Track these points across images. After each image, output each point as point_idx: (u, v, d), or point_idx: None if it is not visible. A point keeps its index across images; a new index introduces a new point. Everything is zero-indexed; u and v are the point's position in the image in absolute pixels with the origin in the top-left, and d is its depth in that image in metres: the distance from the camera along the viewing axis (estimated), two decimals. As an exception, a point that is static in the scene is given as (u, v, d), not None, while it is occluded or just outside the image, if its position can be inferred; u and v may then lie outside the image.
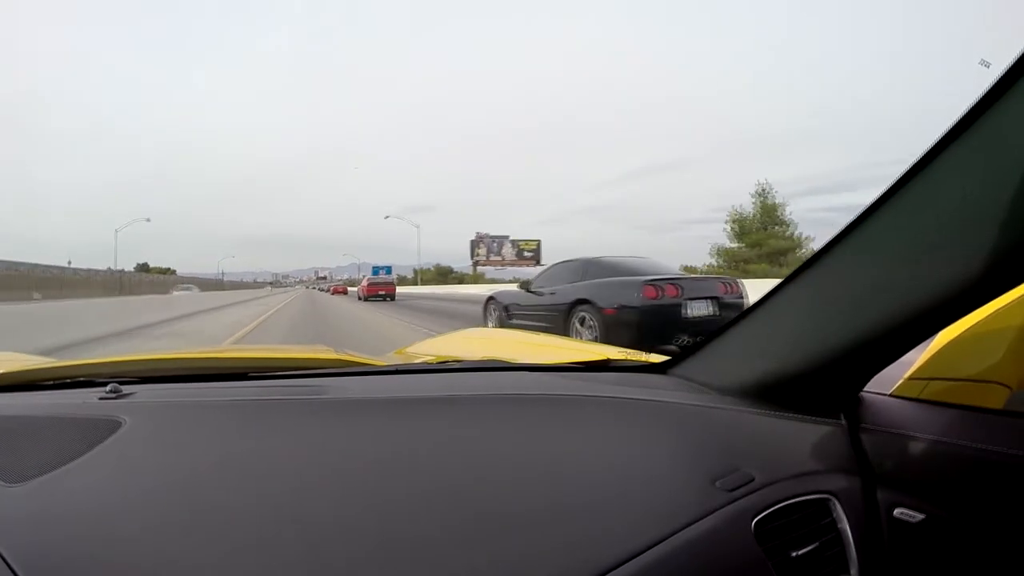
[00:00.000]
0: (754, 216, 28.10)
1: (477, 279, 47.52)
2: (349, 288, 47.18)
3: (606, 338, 4.53)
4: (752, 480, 0.52)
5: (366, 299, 21.08)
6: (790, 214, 27.60)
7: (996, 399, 0.57)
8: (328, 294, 37.25)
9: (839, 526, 0.53)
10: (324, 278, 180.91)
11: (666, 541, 0.45)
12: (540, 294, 5.81)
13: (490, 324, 6.71)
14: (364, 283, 23.42)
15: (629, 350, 0.92)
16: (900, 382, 0.62)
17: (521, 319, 6.07)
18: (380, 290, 21.71)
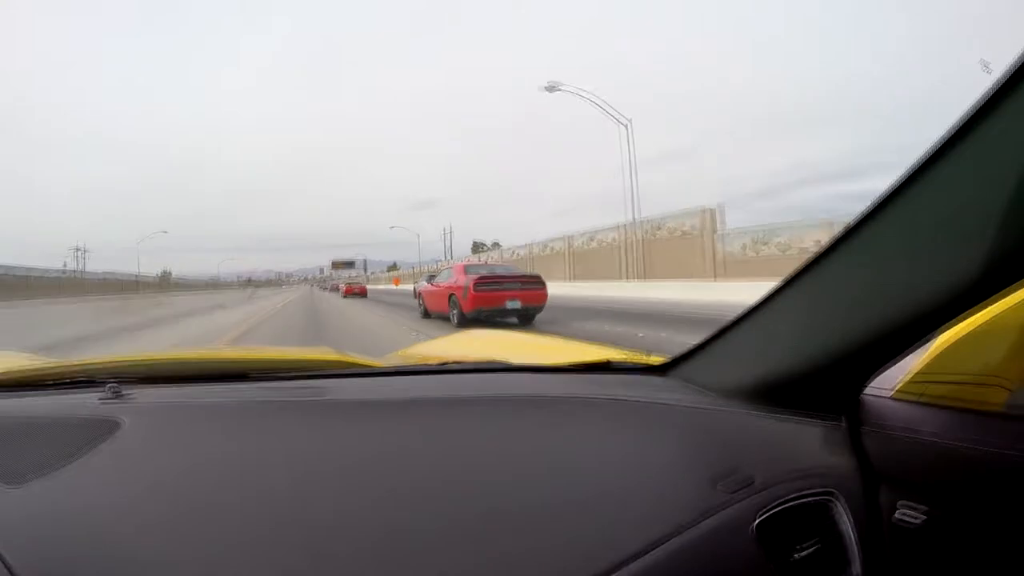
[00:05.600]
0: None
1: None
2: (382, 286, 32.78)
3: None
4: (753, 481, 0.52)
5: (475, 316, 7.50)
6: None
7: (996, 400, 0.56)
8: (339, 296, 28.36)
9: (840, 527, 0.53)
10: (351, 263, 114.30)
11: (667, 542, 0.45)
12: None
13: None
14: (458, 275, 8.43)
15: (630, 351, 0.92)
16: (901, 383, 0.62)
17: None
18: (509, 294, 7.66)
